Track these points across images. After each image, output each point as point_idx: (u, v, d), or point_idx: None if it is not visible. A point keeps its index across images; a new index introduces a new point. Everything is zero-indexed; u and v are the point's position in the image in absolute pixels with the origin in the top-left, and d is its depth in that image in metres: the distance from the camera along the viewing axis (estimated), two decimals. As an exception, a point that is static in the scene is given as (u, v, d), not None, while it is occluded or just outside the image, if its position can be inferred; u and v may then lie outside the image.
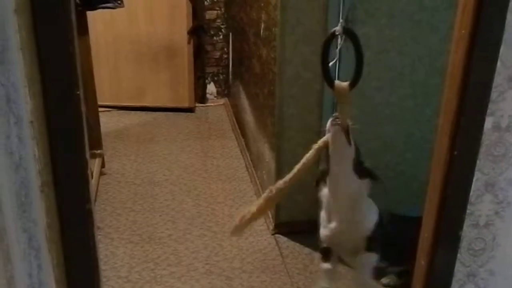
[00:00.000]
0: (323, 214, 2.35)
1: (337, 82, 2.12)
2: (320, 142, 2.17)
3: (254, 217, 2.20)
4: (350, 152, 2.15)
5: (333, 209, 2.28)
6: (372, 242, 2.30)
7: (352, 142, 2.14)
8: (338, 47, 2.13)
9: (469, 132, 1.52)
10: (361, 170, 2.22)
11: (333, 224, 2.28)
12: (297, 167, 2.17)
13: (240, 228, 2.24)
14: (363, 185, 2.24)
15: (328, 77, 2.12)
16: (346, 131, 2.09)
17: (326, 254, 2.38)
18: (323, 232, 2.33)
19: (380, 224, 2.32)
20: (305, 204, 2.99)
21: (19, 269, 1.07)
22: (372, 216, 2.32)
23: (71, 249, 1.42)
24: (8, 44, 1.06)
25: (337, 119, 2.09)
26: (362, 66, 2.06)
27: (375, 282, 2.49)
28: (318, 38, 2.66)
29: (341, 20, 2.05)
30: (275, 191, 2.17)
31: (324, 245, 2.36)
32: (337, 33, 2.04)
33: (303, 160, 2.17)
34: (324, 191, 2.30)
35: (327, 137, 2.15)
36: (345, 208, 2.26)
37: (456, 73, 1.49)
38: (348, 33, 2.04)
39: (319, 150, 2.17)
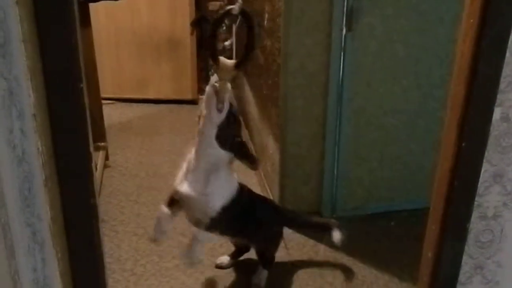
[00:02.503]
0: (183, 166, 2.25)
1: (222, 58, 2.09)
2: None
3: None
4: (217, 119, 2.11)
5: (190, 169, 2.21)
6: (214, 224, 2.21)
7: (224, 112, 2.10)
8: (235, 27, 2.14)
9: (477, 123, 1.51)
10: (226, 141, 2.16)
11: (184, 186, 2.20)
12: None
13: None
14: (223, 157, 2.18)
15: (214, 53, 2.10)
16: (219, 96, 2.07)
17: (172, 203, 2.29)
18: (177, 186, 2.24)
19: (234, 204, 2.23)
20: (309, 196, 2.99)
21: (23, 263, 1.06)
22: (225, 193, 2.22)
23: (76, 243, 1.41)
24: (10, 36, 1.05)
25: (216, 83, 2.07)
26: (253, 48, 2.08)
27: (202, 258, 2.42)
28: (323, 29, 2.64)
29: (239, 1, 2.05)
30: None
31: (175, 197, 2.27)
32: (233, 13, 2.04)
33: None
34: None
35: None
36: (199, 174, 2.17)
37: (464, 63, 1.47)
38: (244, 13, 2.05)
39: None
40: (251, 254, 2.60)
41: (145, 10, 4.55)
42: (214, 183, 2.17)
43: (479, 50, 1.43)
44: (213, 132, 2.14)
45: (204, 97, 2.15)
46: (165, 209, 2.29)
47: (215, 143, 2.15)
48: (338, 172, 2.95)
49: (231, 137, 2.18)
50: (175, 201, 2.29)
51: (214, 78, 2.10)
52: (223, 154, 2.17)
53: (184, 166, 2.25)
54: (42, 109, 1.23)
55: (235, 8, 2.01)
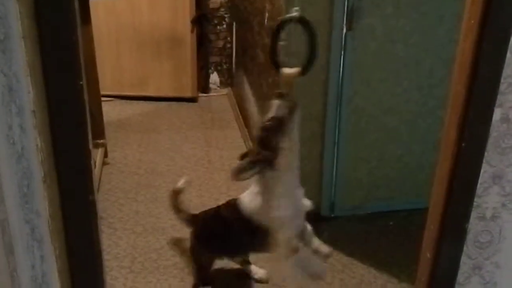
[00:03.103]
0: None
1: (284, 68, 2.08)
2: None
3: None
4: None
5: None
6: None
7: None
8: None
9: (477, 123, 1.51)
10: None
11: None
12: None
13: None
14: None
15: (276, 62, 2.10)
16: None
17: None
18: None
19: None
20: (308, 195, 2.97)
21: (22, 260, 1.05)
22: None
23: (74, 240, 1.41)
24: (10, 32, 1.04)
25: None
26: (315, 55, 2.03)
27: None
28: (323, 28, 2.63)
29: (296, 8, 2.01)
30: None
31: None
32: (290, 20, 2.02)
33: None
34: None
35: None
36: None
37: (464, 64, 1.47)
38: (302, 21, 2.02)
39: None
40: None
41: (145, 7, 4.54)
42: None
43: (479, 50, 1.42)
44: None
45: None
46: None
47: None
48: (337, 172, 2.95)
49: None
50: None
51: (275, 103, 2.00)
52: None
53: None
54: (42, 105, 1.23)
55: (295, 15, 2.00)
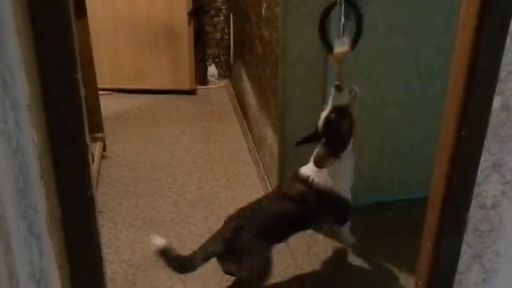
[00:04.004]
0: None
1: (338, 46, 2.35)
2: None
3: None
4: None
5: None
6: None
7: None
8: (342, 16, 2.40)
9: (477, 112, 1.50)
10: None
11: None
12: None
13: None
14: None
15: (327, 42, 2.38)
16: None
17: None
18: None
19: None
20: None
21: (20, 256, 1.05)
22: None
23: (73, 235, 1.40)
24: (3, 26, 1.03)
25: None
26: (361, 33, 2.34)
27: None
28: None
29: None
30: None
31: None
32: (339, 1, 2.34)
33: None
34: None
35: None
36: None
37: (463, 52, 1.46)
38: (349, 2, 2.33)
39: None
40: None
41: (142, 0, 4.51)
42: None
43: (478, 38, 1.41)
44: None
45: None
46: None
47: None
48: (336, 162, 2.94)
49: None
50: None
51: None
52: None
53: None
54: (37, 100, 1.22)
55: None
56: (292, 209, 2.41)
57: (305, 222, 2.52)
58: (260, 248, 2.29)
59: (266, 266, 2.32)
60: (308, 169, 2.43)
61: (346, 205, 2.48)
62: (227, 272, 2.39)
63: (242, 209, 2.41)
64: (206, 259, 2.18)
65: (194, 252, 2.18)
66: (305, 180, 2.41)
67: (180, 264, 2.17)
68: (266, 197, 2.63)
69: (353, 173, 2.45)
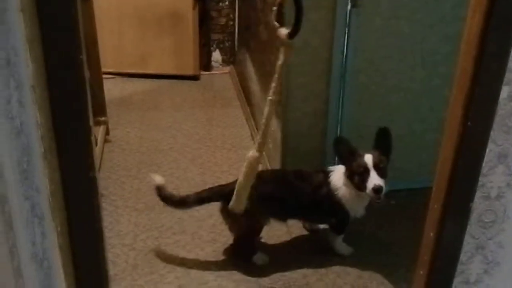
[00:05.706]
0: None
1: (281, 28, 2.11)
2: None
3: (244, 185, 2.24)
4: None
5: None
6: None
7: None
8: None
9: (484, 102, 1.48)
10: None
11: None
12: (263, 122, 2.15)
13: (238, 202, 2.28)
14: None
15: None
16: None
17: None
18: None
19: None
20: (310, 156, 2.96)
21: (22, 237, 1.04)
22: None
23: (76, 217, 1.40)
24: (8, 5, 1.02)
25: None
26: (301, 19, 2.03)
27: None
28: (326, 4, 2.60)
29: None
30: (257, 151, 2.17)
31: None
32: None
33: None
34: None
35: None
36: None
37: (472, 40, 1.44)
38: None
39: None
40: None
41: (146, -17, 4.48)
42: None
43: (487, 26, 1.39)
44: None
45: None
46: None
47: None
48: (340, 150, 2.93)
49: None
50: None
51: None
52: None
53: None
54: (41, 80, 1.21)
55: None
56: (303, 191, 2.50)
57: (308, 209, 2.55)
58: (257, 214, 2.45)
59: (249, 237, 2.57)
60: (335, 168, 2.52)
61: (345, 217, 2.54)
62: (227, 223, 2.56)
63: (262, 171, 2.64)
64: (199, 202, 2.52)
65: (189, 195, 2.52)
66: (327, 174, 2.50)
67: (174, 200, 2.52)
68: (284, 171, 2.76)
69: (363, 210, 2.55)
